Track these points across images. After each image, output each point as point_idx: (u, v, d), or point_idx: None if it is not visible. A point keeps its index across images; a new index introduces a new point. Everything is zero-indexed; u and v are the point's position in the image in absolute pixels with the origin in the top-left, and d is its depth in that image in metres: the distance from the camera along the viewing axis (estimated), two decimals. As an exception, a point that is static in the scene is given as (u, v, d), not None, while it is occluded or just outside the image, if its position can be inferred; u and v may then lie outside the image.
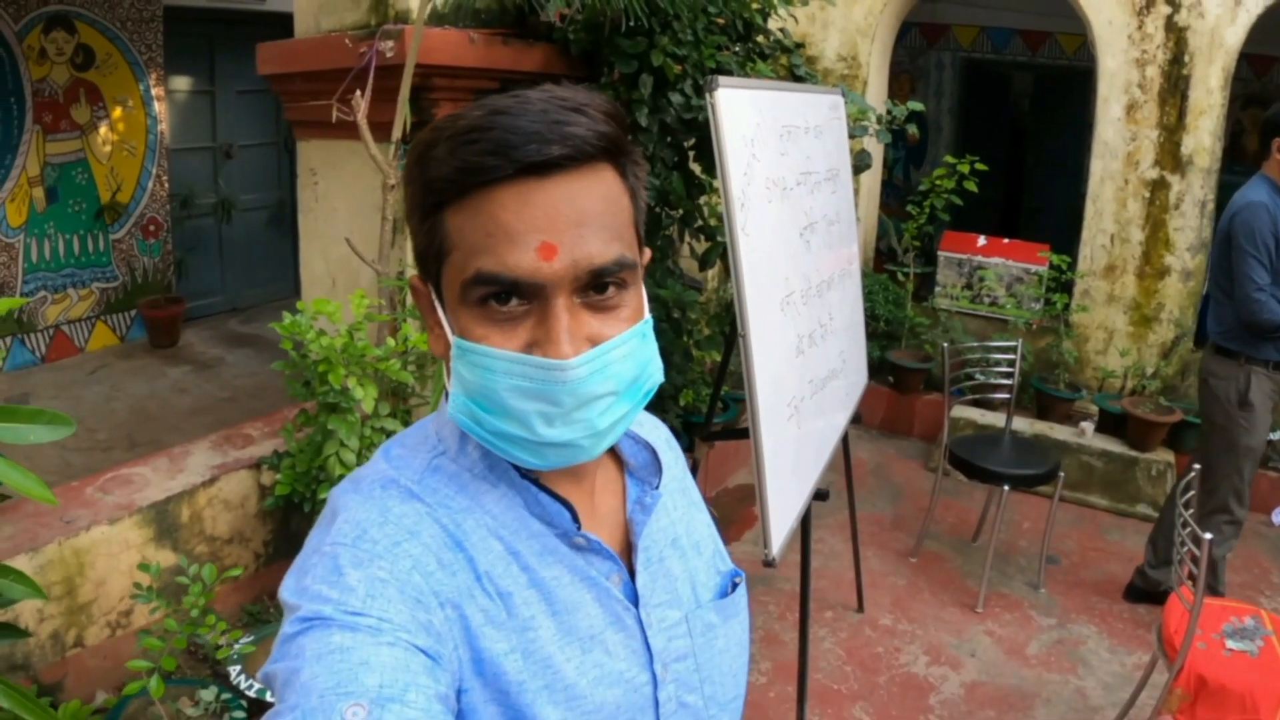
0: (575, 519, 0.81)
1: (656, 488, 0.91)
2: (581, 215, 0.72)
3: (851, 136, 3.51)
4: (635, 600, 0.85)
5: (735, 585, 0.96)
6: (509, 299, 0.73)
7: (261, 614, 3.30)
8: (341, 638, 0.67)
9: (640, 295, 0.79)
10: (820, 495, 2.65)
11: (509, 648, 0.76)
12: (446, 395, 0.84)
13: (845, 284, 3.15)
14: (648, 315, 0.80)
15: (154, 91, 6.11)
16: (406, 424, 3.02)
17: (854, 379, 3.26)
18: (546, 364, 0.72)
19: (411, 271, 3.45)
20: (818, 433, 2.72)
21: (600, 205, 0.74)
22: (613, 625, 0.82)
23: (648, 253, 0.83)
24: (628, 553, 0.87)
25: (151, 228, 6.23)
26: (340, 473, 2.73)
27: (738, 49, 3.68)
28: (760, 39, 3.81)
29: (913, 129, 3.82)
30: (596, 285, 0.74)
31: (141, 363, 5.99)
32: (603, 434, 0.77)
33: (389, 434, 2.86)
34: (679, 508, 0.96)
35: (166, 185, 6.27)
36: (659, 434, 1.01)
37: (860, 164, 3.56)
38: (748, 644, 0.96)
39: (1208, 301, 5.40)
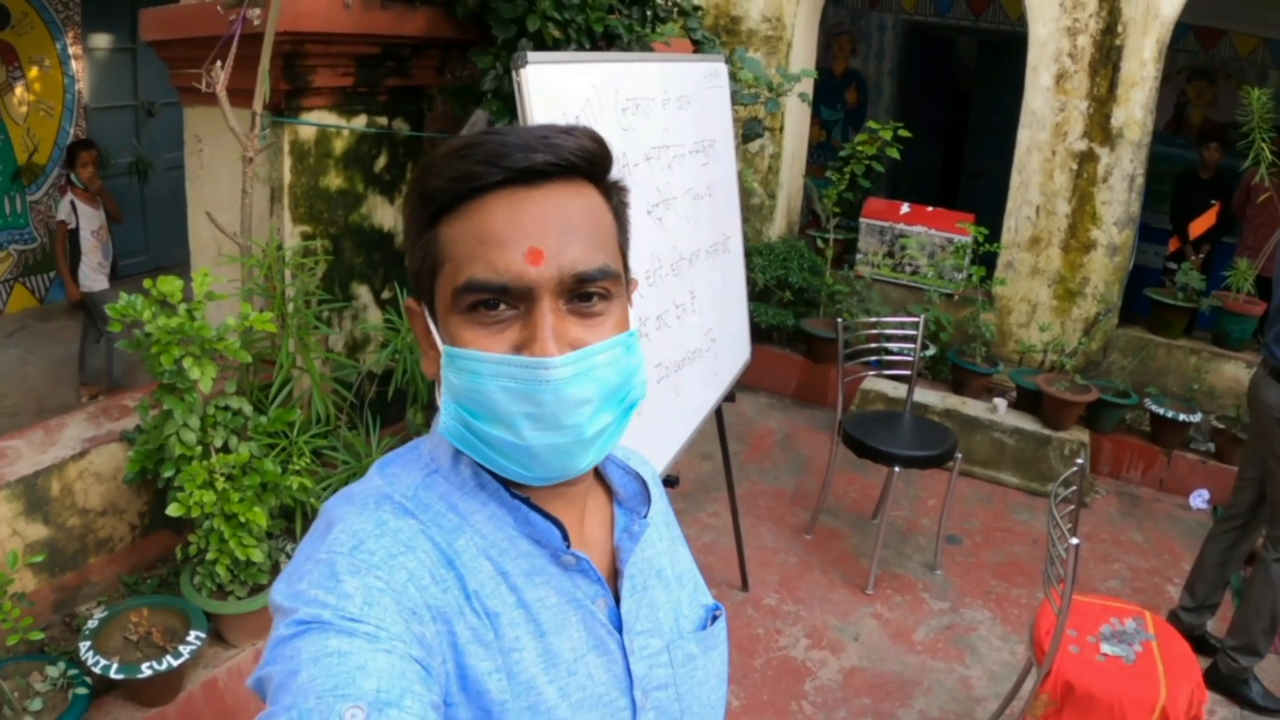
0: (565, 537, 0.82)
1: (645, 517, 0.92)
2: (567, 223, 0.76)
3: (742, 104, 3.42)
4: (619, 626, 0.86)
5: (715, 619, 0.97)
6: (497, 304, 0.76)
7: (138, 585, 3.26)
8: (339, 641, 0.68)
9: (625, 310, 0.82)
10: (669, 482, 2.60)
11: (493, 667, 0.77)
12: (438, 415, 0.85)
13: (718, 259, 3.06)
14: (633, 328, 0.82)
15: (71, 50, 5.96)
16: (257, 405, 2.96)
17: (727, 360, 3.18)
18: (531, 363, 0.75)
19: (293, 242, 3.39)
20: (668, 418, 2.66)
21: (584, 215, 0.78)
22: (595, 649, 0.83)
23: (636, 281, 0.87)
24: (613, 581, 0.89)
25: (70, 188, 6.11)
26: (181, 451, 2.67)
27: (630, 12, 3.57)
28: (659, 1, 3.69)
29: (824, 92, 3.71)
30: (581, 294, 0.77)
31: (60, 325, 5.91)
32: (589, 442, 0.78)
33: (235, 413, 2.80)
34: (664, 540, 0.98)
35: (86, 144, 6.15)
36: (646, 470, 1.03)
37: (749, 132, 3.46)
38: (726, 677, 0.98)
39: (1135, 278, 5.37)
